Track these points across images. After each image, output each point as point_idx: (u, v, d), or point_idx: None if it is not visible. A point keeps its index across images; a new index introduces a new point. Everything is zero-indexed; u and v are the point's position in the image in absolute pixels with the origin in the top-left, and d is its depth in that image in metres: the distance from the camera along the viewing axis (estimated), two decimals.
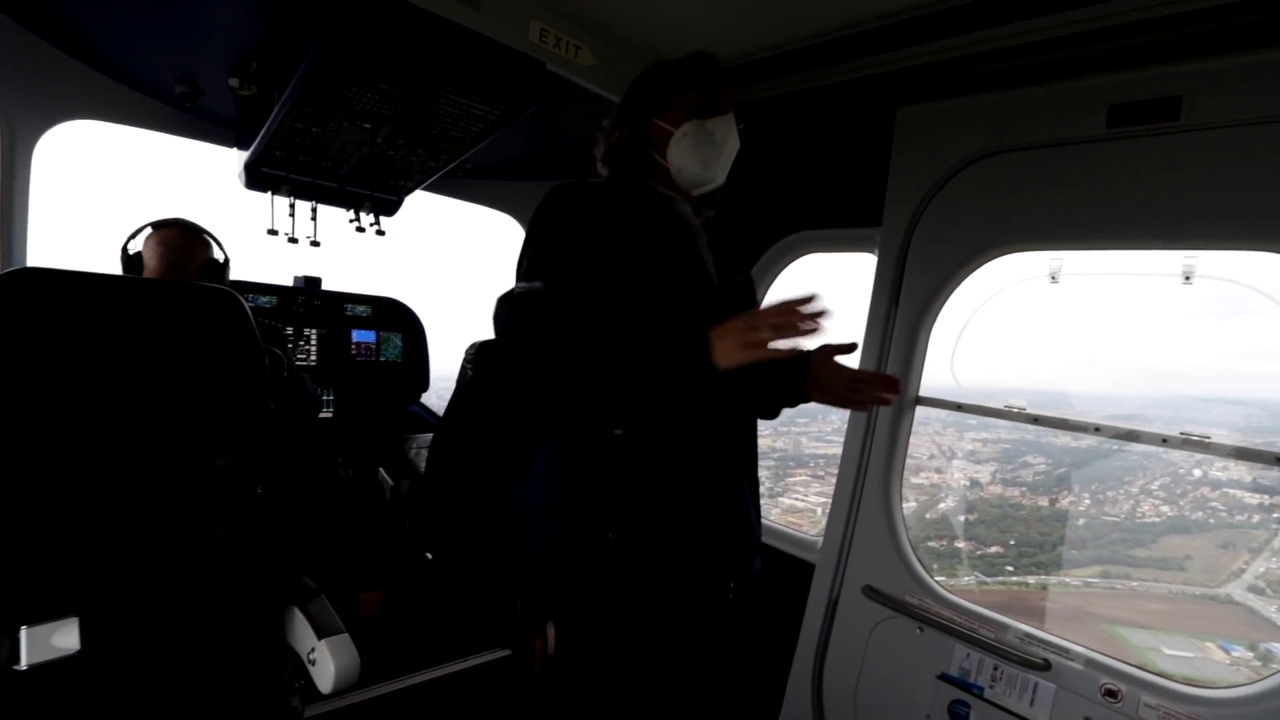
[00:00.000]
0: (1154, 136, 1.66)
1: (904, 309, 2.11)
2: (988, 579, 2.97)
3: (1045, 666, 1.73)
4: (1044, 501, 3.17)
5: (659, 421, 1.20)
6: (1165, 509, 2.81)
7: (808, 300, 1.01)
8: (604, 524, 1.18)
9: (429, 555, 2.49)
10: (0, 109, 1.94)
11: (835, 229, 2.40)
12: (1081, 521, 3.06)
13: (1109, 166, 1.73)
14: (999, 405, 1.97)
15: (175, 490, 1.27)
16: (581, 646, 1.24)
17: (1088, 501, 3.03)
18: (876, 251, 2.21)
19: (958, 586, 2.82)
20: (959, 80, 1.93)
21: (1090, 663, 1.68)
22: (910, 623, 2.00)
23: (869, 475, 2.16)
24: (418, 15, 1.64)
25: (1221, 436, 1.60)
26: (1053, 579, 2.93)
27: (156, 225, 1.81)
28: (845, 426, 2.27)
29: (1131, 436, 1.72)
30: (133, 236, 1.79)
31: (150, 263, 1.76)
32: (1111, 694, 1.63)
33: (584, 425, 1.22)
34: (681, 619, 1.23)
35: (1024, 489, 3.22)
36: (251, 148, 2.27)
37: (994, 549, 3.07)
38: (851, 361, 1.39)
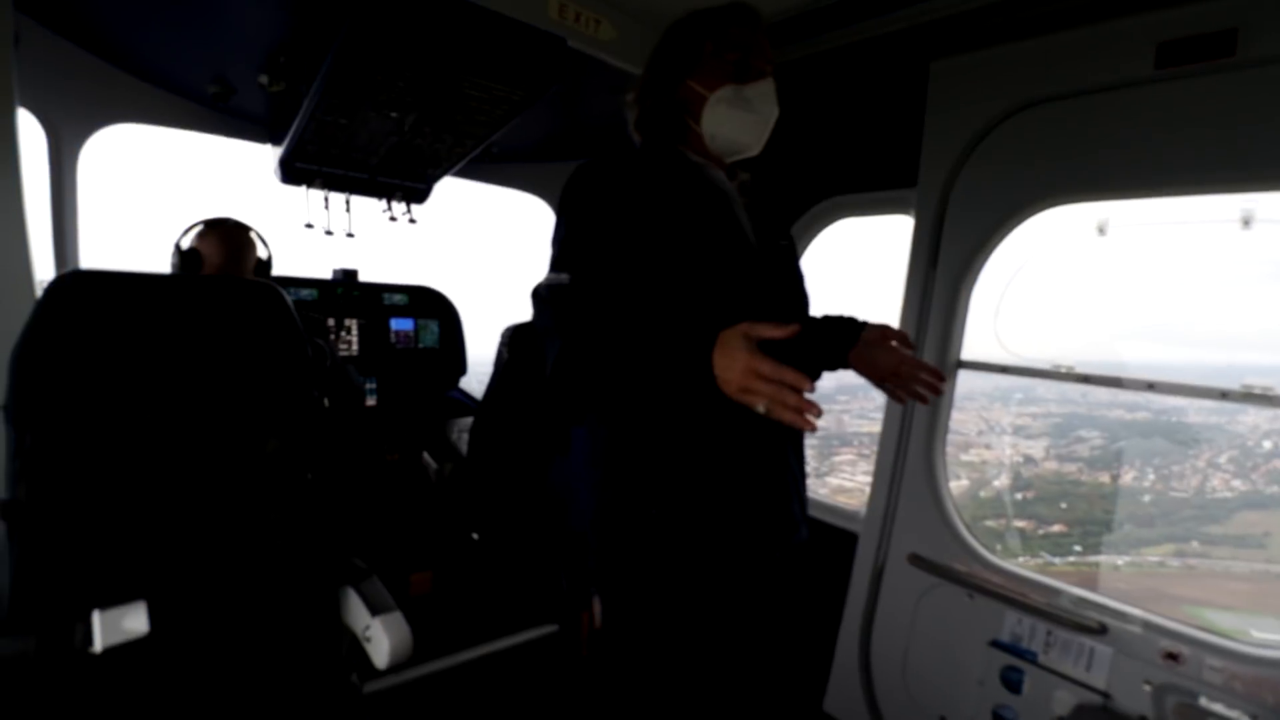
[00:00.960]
0: (1207, 75, 1.57)
1: (943, 271, 2.05)
2: (1055, 559, 2.84)
3: (1101, 630, 1.69)
4: (1105, 478, 3.04)
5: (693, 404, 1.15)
6: (1237, 483, 2.65)
7: (802, 384, 0.89)
8: (647, 499, 1.17)
9: (475, 535, 2.54)
10: (46, 118, 2.02)
11: (869, 192, 2.34)
12: (1147, 498, 2.91)
13: (1159, 110, 1.64)
14: (1046, 367, 1.91)
15: (230, 476, 1.32)
16: (629, 621, 1.25)
17: (1152, 477, 2.88)
18: (912, 213, 2.15)
19: (1029, 566, 2.74)
20: (994, 28, 1.85)
21: (1149, 625, 1.64)
22: (959, 590, 1.98)
23: (911, 442, 2.12)
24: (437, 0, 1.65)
25: None
26: (1124, 559, 2.79)
27: (211, 223, 1.89)
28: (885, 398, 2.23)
29: (1189, 391, 1.65)
30: (185, 234, 1.86)
31: (211, 258, 1.84)
32: (1173, 657, 1.59)
33: (622, 405, 1.20)
34: (728, 589, 1.23)
35: (1080, 464, 3.09)
36: (285, 143, 2.32)
37: (1057, 528, 2.94)
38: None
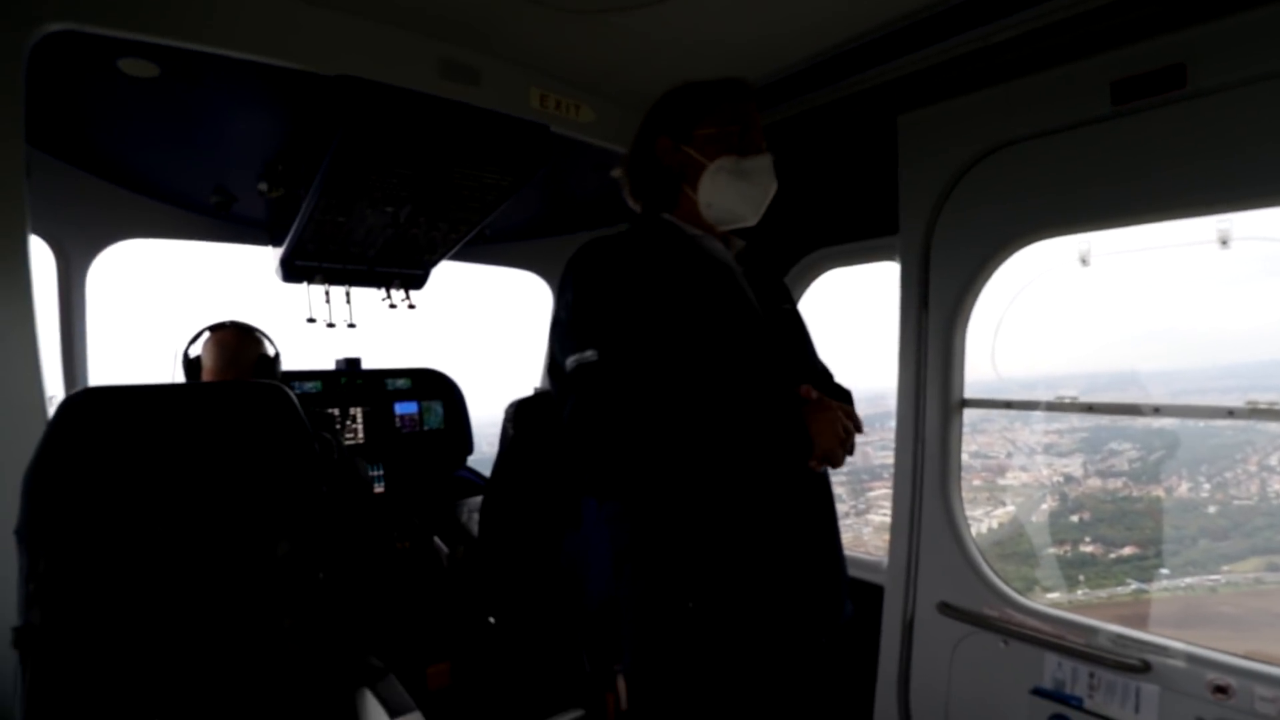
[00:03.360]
0: (1162, 108, 1.64)
1: (935, 312, 2.08)
2: (1146, 586, 2.66)
3: (1145, 669, 1.63)
4: (1158, 491, 2.85)
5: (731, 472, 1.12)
6: None
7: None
8: (682, 592, 1.10)
9: (492, 619, 2.48)
10: (54, 240, 2.10)
11: (854, 242, 2.40)
12: (1213, 509, 2.73)
13: (1120, 143, 1.71)
14: (1049, 398, 1.91)
15: (242, 584, 1.31)
16: (670, 714, 1.15)
17: (1207, 486, 2.71)
18: (898, 259, 2.19)
19: (1116, 599, 2.59)
20: (956, 80, 1.94)
21: (1193, 659, 1.58)
22: (993, 636, 1.91)
23: (925, 487, 2.10)
24: (423, 100, 1.74)
25: None
26: (1217, 579, 2.58)
27: (212, 329, 1.93)
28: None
29: (1194, 413, 1.64)
30: (192, 342, 1.91)
31: (207, 363, 1.87)
32: (1221, 690, 1.52)
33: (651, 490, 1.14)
34: (775, 680, 1.15)
35: (1124, 479, 2.94)
36: (285, 243, 2.39)
37: (1128, 550, 2.77)
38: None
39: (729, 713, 1.11)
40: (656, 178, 1.30)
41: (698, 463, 1.05)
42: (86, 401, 1.27)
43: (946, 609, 2.00)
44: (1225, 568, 2.56)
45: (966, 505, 2.99)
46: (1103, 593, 2.67)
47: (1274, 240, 1.60)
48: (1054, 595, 2.66)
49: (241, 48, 1.50)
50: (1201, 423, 2.64)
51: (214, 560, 1.28)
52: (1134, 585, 2.66)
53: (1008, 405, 1.99)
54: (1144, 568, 2.70)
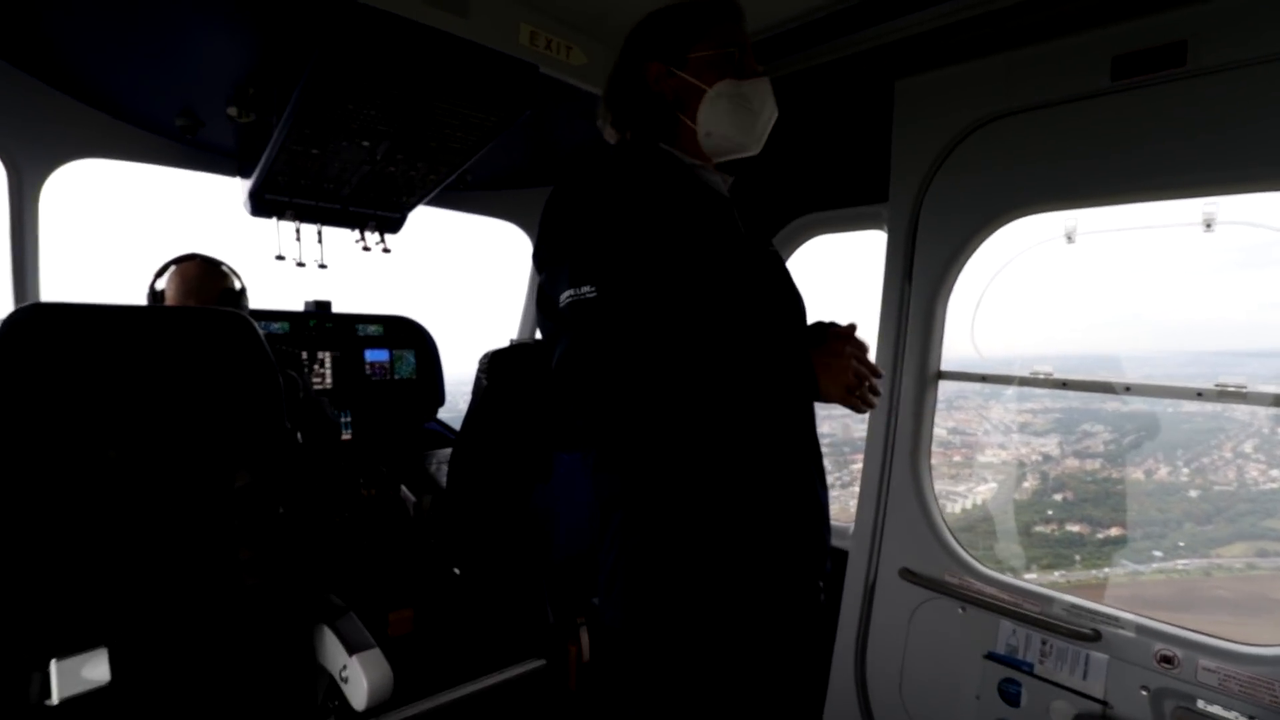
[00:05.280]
0: (1161, 85, 1.62)
1: (918, 283, 2.07)
2: (1141, 568, 2.67)
3: (1095, 637, 1.68)
4: (1138, 474, 2.88)
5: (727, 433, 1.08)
6: (1276, 472, 2.55)
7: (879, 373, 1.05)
8: (676, 544, 1.07)
9: (456, 570, 2.47)
10: (6, 153, 1.97)
11: (842, 209, 2.37)
12: (1194, 493, 2.76)
13: (1118, 119, 1.69)
14: (1024, 374, 1.93)
15: (198, 513, 1.27)
16: (663, 674, 1.11)
17: (1186, 470, 2.74)
18: (885, 228, 2.17)
19: (1114, 579, 2.62)
20: (955, 46, 1.90)
21: (1141, 629, 1.63)
22: (952, 603, 1.96)
23: (896, 456, 2.12)
24: (406, 27, 1.65)
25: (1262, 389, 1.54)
26: (1209, 562, 2.61)
27: (177, 261, 1.86)
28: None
29: (1164, 392, 1.67)
30: (158, 275, 1.85)
31: (170, 295, 1.83)
32: (1167, 660, 1.57)
33: (638, 439, 1.09)
34: (760, 632, 1.12)
35: (1100, 460, 2.97)
36: (254, 175, 2.29)
37: (1114, 531, 2.80)
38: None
39: (723, 660, 1.09)
40: (648, 107, 1.20)
41: (699, 409, 0.99)
42: (34, 317, 1.20)
43: (908, 575, 2.04)
44: (1215, 552, 2.61)
45: (949, 481, 3.04)
46: (1099, 573, 2.72)
47: (1257, 225, 1.60)
48: (1055, 575, 2.71)
49: None
50: (1171, 408, 2.69)
51: (168, 486, 1.24)
52: (1130, 567, 2.70)
53: (983, 379, 2.01)
54: (1136, 550, 2.73)
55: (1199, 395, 1.60)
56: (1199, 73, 1.56)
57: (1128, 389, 1.71)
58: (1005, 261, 2.01)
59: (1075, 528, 2.88)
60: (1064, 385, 1.82)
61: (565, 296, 1.01)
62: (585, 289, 0.99)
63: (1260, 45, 1.48)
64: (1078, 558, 2.53)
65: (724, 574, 1.07)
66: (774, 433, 1.13)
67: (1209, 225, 1.63)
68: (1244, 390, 1.55)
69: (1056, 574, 2.73)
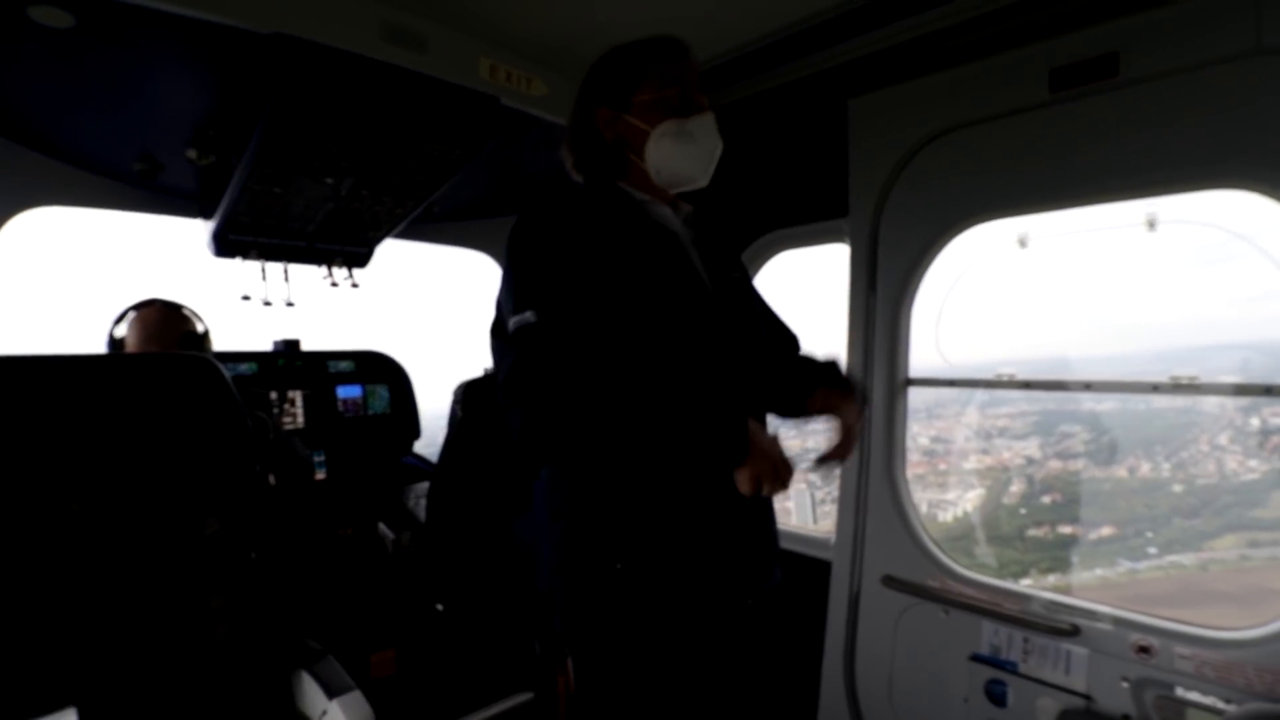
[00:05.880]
0: (1097, 95, 1.70)
1: (883, 293, 2.12)
2: (1138, 565, 2.67)
3: (1074, 632, 1.71)
4: (1121, 472, 2.91)
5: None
6: (1254, 463, 2.59)
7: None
8: (610, 554, 1.12)
9: (439, 606, 2.43)
10: None
11: (804, 225, 2.43)
12: (1179, 488, 2.80)
13: (1058, 128, 1.77)
14: (989, 377, 1.97)
15: (166, 563, 1.24)
16: (601, 682, 1.19)
17: (1167, 466, 2.78)
18: (848, 241, 2.23)
19: (1114, 578, 2.60)
20: (903, 65, 1.98)
21: (1118, 621, 1.66)
22: (935, 606, 1.97)
23: (872, 464, 2.14)
24: (366, 65, 1.66)
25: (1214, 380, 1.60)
26: (1204, 556, 2.62)
27: (136, 306, 1.83)
28: None
29: (1123, 388, 1.72)
30: (117, 322, 1.81)
31: (129, 343, 1.79)
32: (1144, 650, 1.60)
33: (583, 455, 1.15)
34: (702, 641, 1.17)
35: (1083, 460, 3.01)
36: (216, 216, 2.27)
37: (1106, 530, 2.81)
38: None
39: (656, 672, 1.14)
40: (600, 150, 1.28)
41: (630, 432, 1.04)
42: None
43: (891, 581, 2.05)
44: (1207, 545, 2.63)
45: (937, 489, 3.05)
46: (1098, 573, 2.72)
47: (1198, 224, 1.68)
48: (1053, 579, 2.73)
49: None
50: (1143, 404, 2.75)
51: (135, 537, 1.20)
52: (1126, 566, 2.71)
53: (950, 383, 2.05)
54: (1131, 548, 2.73)
55: (1155, 389, 1.66)
56: (1130, 82, 1.64)
57: (1088, 386, 1.76)
58: (962, 270, 2.07)
59: (1068, 529, 2.91)
60: (1027, 386, 1.87)
61: (512, 323, 1.09)
62: (527, 314, 1.07)
63: (1185, 55, 1.57)
64: (1075, 559, 2.53)
65: (654, 589, 1.12)
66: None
67: (1152, 225, 1.71)
68: (1197, 381, 1.61)
69: (1053, 578, 2.75)
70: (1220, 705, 1.50)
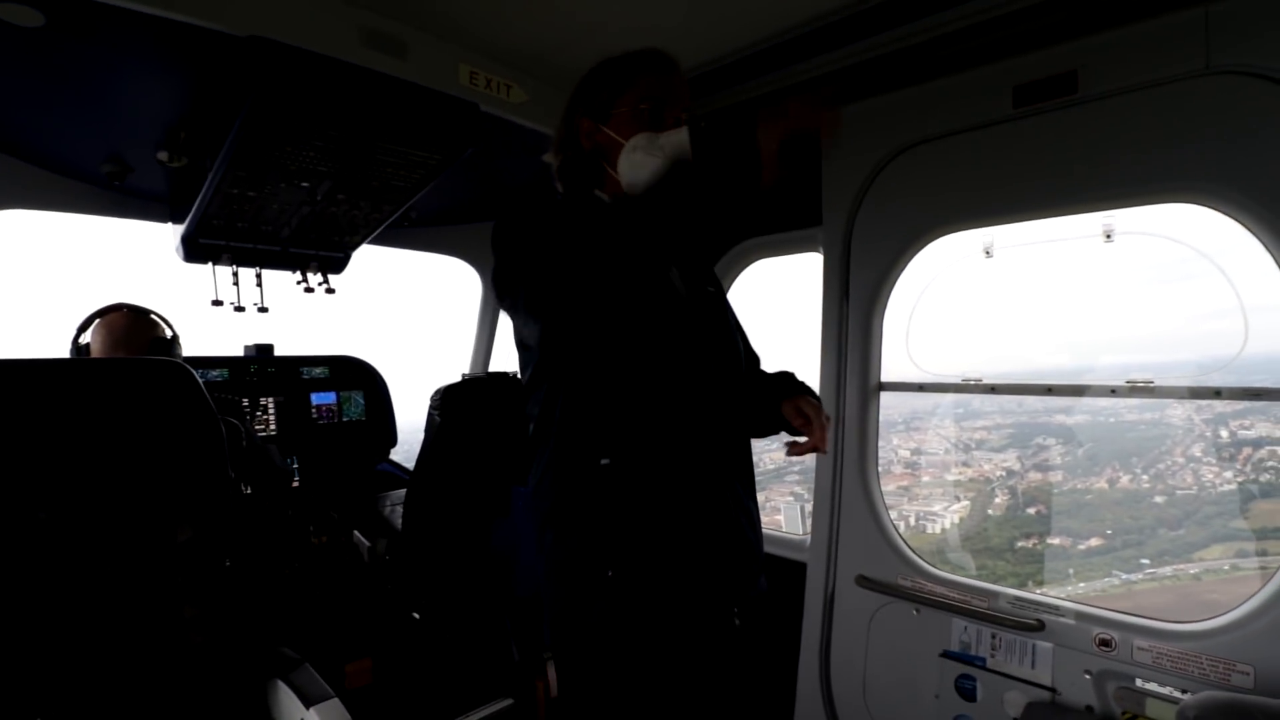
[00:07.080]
0: (1057, 111, 1.77)
1: (855, 301, 2.17)
2: (1132, 577, 2.69)
3: (1039, 627, 1.76)
4: (1101, 483, 2.94)
5: (650, 446, 1.16)
6: (1229, 474, 2.65)
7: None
8: (602, 561, 1.13)
9: (416, 615, 2.40)
10: None
11: (779, 233, 2.48)
12: (1160, 499, 2.82)
13: (1021, 142, 1.84)
14: (957, 381, 2.03)
15: (137, 572, 1.21)
16: (590, 688, 1.19)
17: (1145, 477, 2.81)
18: (821, 250, 2.28)
19: (1109, 592, 2.62)
20: (874, 80, 2.04)
21: (1081, 616, 1.72)
22: (907, 605, 2.02)
23: (845, 467, 2.19)
24: (344, 69, 1.66)
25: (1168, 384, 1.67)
26: (1194, 567, 2.63)
27: (101, 312, 1.79)
28: None
29: (1082, 392, 1.79)
30: (82, 329, 1.77)
31: (95, 349, 1.75)
32: (1105, 643, 1.67)
33: (569, 457, 1.17)
34: (688, 650, 1.19)
35: (1062, 472, 3.03)
36: (187, 220, 2.23)
37: (1094, 541, 2.82)
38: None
39: (646, 678, 1.15)
40: (580, 160, 1.31)
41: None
42: None
43: (864, 581, 2.10)
44: (1197, 556, 2.65)
45: (923, 501, 3.09)
46: (1095, 584, 2.73)
47: (1151, 235, 1.76)
48: (1054, 589, 2.75)
49: None
50: (1114, 419, 2.81)
51: (104, 546, 1.18)
52: (1121, 578, 2.72)
53: (920, 388, 2.11)
54: (1122, 559, 2.74)
55: (1113, 392, 1.73)
56: (1089, 99, 1.72)
57: (1049, 390, 1.83)
58: (931, 278, 2.13)
59: (1056, 540, 2.93)
60: (993, 390, 1.93)
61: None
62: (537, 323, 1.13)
63: (1140, 73, 1.64)
64: (1071, 571, 2.56)
65: (644, 596, 1.13)
66: (699, 452, 1.21)
67: (1109, 236, 1.78)
68: (1151, 384, 1.68)
69: (1052, 588, 2.75)
70: (1177, 695, 1.56)
